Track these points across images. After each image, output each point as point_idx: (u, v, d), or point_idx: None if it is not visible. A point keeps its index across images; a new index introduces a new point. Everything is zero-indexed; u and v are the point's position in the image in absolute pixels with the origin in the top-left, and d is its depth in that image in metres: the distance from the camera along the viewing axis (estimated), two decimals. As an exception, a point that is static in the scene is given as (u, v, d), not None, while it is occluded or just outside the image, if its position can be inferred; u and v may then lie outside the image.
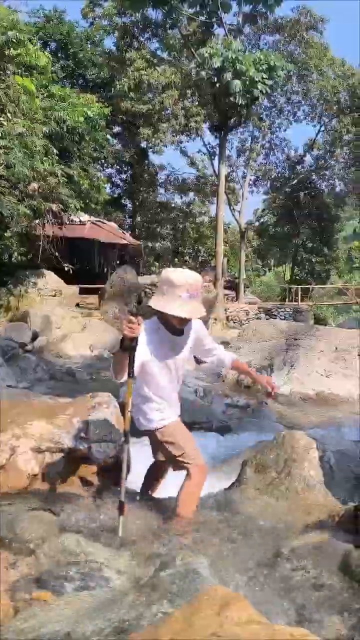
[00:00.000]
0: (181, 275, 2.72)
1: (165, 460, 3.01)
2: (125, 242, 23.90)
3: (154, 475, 3.30)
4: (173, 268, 2.98)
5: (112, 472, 3.42)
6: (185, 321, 2.81)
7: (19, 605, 1.91)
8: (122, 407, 3.01)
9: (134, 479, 3.55)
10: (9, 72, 11.85)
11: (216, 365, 3.25)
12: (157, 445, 2.96)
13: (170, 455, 2.90)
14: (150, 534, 2.70)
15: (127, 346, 2.50)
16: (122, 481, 2.66)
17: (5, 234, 12.71)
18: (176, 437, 2.89)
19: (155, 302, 2.72)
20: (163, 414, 2.93)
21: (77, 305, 17.66)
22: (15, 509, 2.67)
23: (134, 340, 2.49)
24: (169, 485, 3.22)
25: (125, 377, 2.60)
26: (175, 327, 2.85)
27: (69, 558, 2.24)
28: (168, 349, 2.87)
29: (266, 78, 19.96)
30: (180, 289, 2.67)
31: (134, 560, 2.38)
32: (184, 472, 2.92)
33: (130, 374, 2.58)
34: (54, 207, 13.80)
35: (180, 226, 34.87)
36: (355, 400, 7.97)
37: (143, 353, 2.71)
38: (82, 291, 18.36)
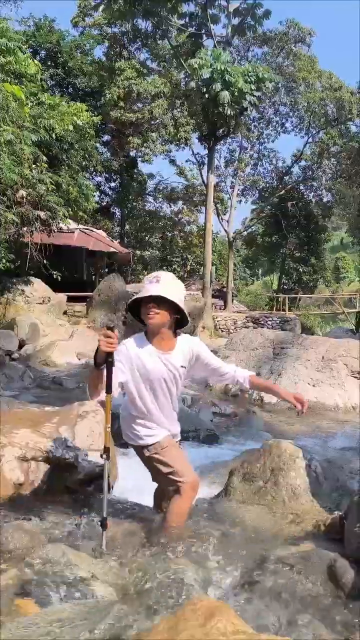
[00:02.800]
0: (160, 275, 2.74)
1: (156, 477, 2.91)
2: (113, 250, 23.89)
3: (159, 496, 3.11)
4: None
5: (99, 481, 3.41)
6: (154, 311, 2.65)
7: (2, 615, 1.89)
8: None
9: (122, 491, 3.54)
10: (-2, 79, 11.86)
11: (232, 384, 3.09)
12: (145, 462, 2.87)
13: (160, 472, 2.80)
14: (137, 543, 2.68)
15: (102, 361, 2.43)
16: (104, 497, 2.59)
17: (-7, 241, 12.65)
18: (164, 455, 2.77)
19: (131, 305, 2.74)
20: (150, 430, 2.82)
21: (65, 313, 17.58)
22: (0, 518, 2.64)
23: (110, 355, 2.43)
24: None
25: (101, 396, 2.52)
26: (162, 341, 2.74)
27: (54, 568, 2.22)
28: (155, 366, 2.73)
29: (254, 89, 20.22)
30: (146, 281, 2.70)
31: (119, 571, 2.37)
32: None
33: (109, 389, 2.51)
34: (42, 214, 13.76)
35: (169, 235, 35.00)
36: (341, 409, 8.01)
37: (123, 373, 2.64)
38: (70, 299, 18.29)
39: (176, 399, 2.92)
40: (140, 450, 2.86)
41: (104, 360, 2.44)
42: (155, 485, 3.05)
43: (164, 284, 2.65)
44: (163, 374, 2.76)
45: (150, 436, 2.81)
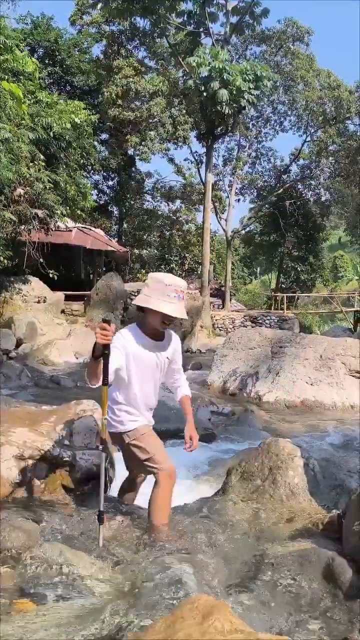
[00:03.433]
0: (171, 277, 2.84)
1: (132, 464, 3.01)
2: (111, 248, 23.87)
3: (127, 488, 3.30)
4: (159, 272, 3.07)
5: (96, 480, 3.40)
6: (169, 322, 2.81)
7: (0, 615, 1.88)
8: None
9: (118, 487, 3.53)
10: (-5, 77, 11.82)
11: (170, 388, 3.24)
12: (124, 448, 2.96)
13: (137, 459, 2.89)
14: (134, 542, 2.68)
15: (100, 353, 2.50)
16: (101, 490, 2.63)
17: (-10, 240, 12.64)
18: (143, 441, 2.87)
19: (144, 301, 2.75)
20: (132, 416, 2.92)
21: (63, 311, 17.56)
22: (-4, 518, 2.63)
23: (107, 347, 2.49)
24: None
25: (99, 383, 2.58)
26: (155, 332, 2.87)
27: (51, 567, 2.21)
28: (147, 355, 2.86)
29: (253, 88, 20.19)
30: (169, 289, 2.73)
31: (116, 569, 2.36)
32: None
33: (105, 381, 2.57)
34: (40, 213, 13.74)
35: (167, 233, 34.96)
36: (339, 407, 8.01)
37: (118, 359, 2.72)
38: (68, 298, 18.27)
39: (158, 389, 3.05)
40: (119, 437, 2.93)
41: (101, 353, 2.50)
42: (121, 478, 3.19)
43: (185, 300, 2.84)
44: (153, 362, 2.90)
45: (132, 421, 2.90)
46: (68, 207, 15.54)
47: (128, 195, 32.31)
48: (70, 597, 2.03)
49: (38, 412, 3.77)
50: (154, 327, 2.84)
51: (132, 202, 33.31)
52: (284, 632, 1.91)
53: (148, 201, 35.05)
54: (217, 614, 1.37)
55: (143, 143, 28.39)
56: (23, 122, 12.56)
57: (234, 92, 19.90)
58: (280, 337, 9.49)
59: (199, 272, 27.68)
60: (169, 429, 4.96)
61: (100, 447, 2.67)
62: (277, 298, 29.76)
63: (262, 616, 2.02)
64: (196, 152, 30.63)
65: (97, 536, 2.58)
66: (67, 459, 3.29)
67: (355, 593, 2.17)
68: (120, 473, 3.54)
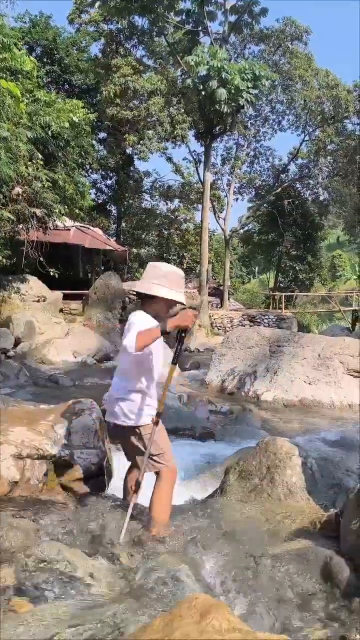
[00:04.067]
0: (178, 269, 3.03)
1: (137, 458, 2.95)
2: (110, 247, 23.84)
3: (130, 485, 3.20)
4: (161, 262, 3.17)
5: (94, 479, 3.40)
6: (171, 309, 2.93)
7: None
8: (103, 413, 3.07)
9: (116, 487, 3.53)
10: (-6, 76, 11.79)
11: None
12: (136, 441, 2.90)
13: (142, 453, 2.86)
14: (132, 541, 2.68)
15: (171, 332, 2.63)
16: (145, 458, 2.77)
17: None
18: (158, 435, 2.87)
19: (167, 293, 2.84)
20: (150, 408, 2.91)
21: (61, 311, 17.54)
22: (-5, 517, 2.63)
23: (185, 331, 2.71)
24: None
25: (142, 352, 2.62)
26: (157, 318, 2.90)
27: (50, 566, 2.21)
28: (160, 344, 2.96)
29: (251, 87, 20.16)
30: (183, 281, 2.96)
31: (115, 568, 2.36)
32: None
33: (175, 360, 2.78)
34: (38, 212, 13.72)
35: (165, 232, 34.92)
36: (337, 406, 8.02)
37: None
38: (66, 297, 18.24)
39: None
40: (131, 430, 2.89)
41: (177, 333, 2.66)
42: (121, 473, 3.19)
43: None
44: (161, 346, 3.02)
45: (149, 415, 2.90)
46: (66, 206, 15.53)
47: (126, 194, 32.27)
48: (69, 596, 2.03)
49: (36, 411, 3.77)
50: (157, 314, 2.86)
51: (131, 201, 33.27)
52: (282, 631, 1.92)
53: (146, 200, 35.04)
54: (215, 613, 1.37)
55: (141, 142, 28.36)
56: (21, 120, 12.54)
57: (233, 91, 19.87)
58: (278, 336, 9.50)
59: (197, 271, 27.66)
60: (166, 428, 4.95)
61: (157, 420, 2.80)
62: (276, 297, 29.77)
63: (259, 615, 2.02)
64: (194, 151, 30.64)
65: (95, 534, 2.59)
66: (65, 458, 3.29)
67: (352, 591, 2.17)
68: (120, 474, 3.55)
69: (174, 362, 2.78)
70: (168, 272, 2.91)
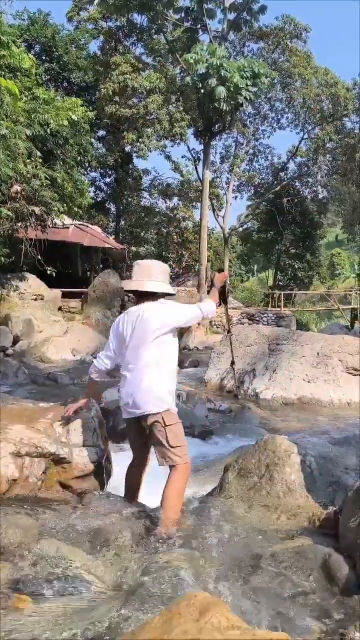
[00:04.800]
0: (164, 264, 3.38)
1: (152, 446, 2.97)
2: (108, 246, 23.83)
3: (131, 482, 3.26)
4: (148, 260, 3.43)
5: (93, 476, 3.40)
6: None
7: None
8: (102, 409, 3.03)
9: (116, 485, 3.53)
10: (-8, 73, 11.77)
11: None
12: (157, 429, 2.88)
13: (166, 443, 2.86)
14: (131, 539, 2.68)
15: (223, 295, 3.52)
16: (234, 371, 3.16)
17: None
18: (179, 427, 2.94)
19: (169, 288, 3.17)
20: (173, 395, 3.00)
21: (60, 309, 17.54)
22: (-7, 515, 2.62)
23: (224, 290, 3.50)
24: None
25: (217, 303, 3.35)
26: None
27: (48, 563, 2.21)
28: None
29: (250, 85, 20.15)
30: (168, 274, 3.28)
31: (114, 566, 2.36)
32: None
33: (224, 302, 3.66)
34: (37, 210, 13.71)
35: (164, 231, 34.89)
36: (336, 405, 8.02)
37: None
38: (65, 295, 18.24)
39: None
40: (156, 416, 2.90)
41: (221, 291, 3.42)
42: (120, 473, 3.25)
43: None
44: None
45: (174, 403, 3.02)
46: (65, 204, 15.52)
47: (125, 193, 32.25)
48: (67, 593, 2.03)
49: (35, 409, 3.76)
50: None
51: (130, 199, 33.24)
52: (281, 629, 1.92)
53: (145, 198, 35.01)
54: (214, 611, 1.37)
55: (140, 140, 28.31)
56: (20, 118, 12.52)
57: (232, 89, 19.86)
58: (277, 335, 9.50)
59: (196, 270, 27.65)
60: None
61: (234, 365, 3.13)
62: (274, 295, 29.76)
63: (258, 613, 2.02)
64: (193, 149, 30.65)
65: (94, 532, 2.58)
66: (64, 455, 3.29)
67: (351, 589, 2.17)
68: (120, 472, 3.55)
69: (224, 303, 3.62)
70: (161, 268, 3.20)
